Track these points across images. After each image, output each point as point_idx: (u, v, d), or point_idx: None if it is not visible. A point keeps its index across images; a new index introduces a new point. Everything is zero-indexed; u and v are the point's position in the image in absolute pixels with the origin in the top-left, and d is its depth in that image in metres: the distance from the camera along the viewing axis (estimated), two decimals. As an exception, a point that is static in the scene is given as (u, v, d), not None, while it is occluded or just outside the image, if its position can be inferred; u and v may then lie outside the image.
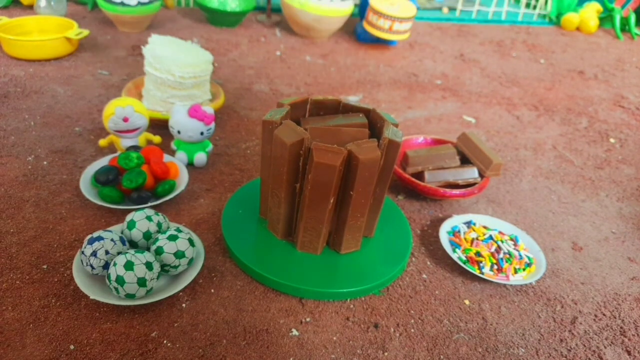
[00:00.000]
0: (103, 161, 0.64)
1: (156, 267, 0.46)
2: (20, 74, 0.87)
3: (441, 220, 0.63)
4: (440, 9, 1.68)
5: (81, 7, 1.22)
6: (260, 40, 1.19)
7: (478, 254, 0.57)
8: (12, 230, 0.54)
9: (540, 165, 0.83)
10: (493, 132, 0.93)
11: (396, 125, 0.53)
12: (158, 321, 0.46)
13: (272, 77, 1.02)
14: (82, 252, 0.46)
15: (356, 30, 1.30)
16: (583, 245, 0.65)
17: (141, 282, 0.44)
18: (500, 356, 0.47)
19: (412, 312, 0.51)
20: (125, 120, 0.62)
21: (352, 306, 0.51)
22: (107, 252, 0.46)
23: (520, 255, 0.57)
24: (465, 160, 0.71)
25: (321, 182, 0.47)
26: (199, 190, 0.65)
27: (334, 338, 0.47)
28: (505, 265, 0.56)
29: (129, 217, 0.50)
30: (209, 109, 0.66)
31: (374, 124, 0.54)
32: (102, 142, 0.68)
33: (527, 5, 1.93)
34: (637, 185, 0.81)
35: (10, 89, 0.82)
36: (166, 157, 0.66)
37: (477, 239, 0.59)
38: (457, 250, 0.58)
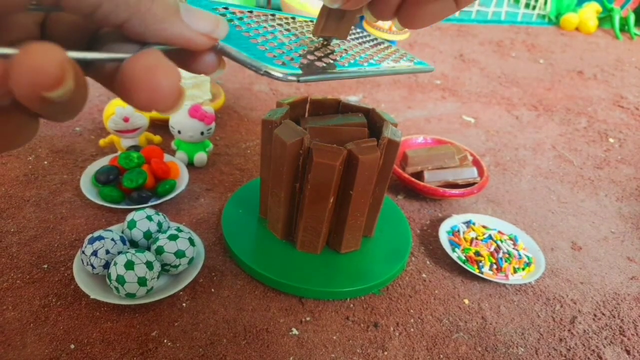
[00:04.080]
0: (103, 161, 0.64)
1: (156, 266, 0.46)
2: (21, 74, 0.87)
3: (441, 220, 0.64)
4: (439, 9, 1.68)
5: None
6: (260, 41, 1.20)
7: (477, 253, 0.57)
8: (12, 230, 0.54)
9: (539, 165, 0.84)
10: (492, 132, 0.93)
11: (396, 125, 0.53)
12: (158, 320, 0.46)
13: (272, 77, 1.03)
14: (83, 252, 0.46)
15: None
16: (582, 245, 0.65)
17: (141, 281, 0.44)
18: (499, 355, 0.47)
19: (411, 311, 0.51)
20: (126, 120, 0.62)
21: (351, 305, 0.51)
22: (107, 252, 0.46)
23: (519, 255, 0.57)
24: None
25: (321, 182, 0.47)
26: (199, 190, 0.65)
27: (334, 337, 0.47)
28: (505, 265, 0.56)
29: (129, 217, 0.50)
30: (209, 109, 0.66)
31: (374, 124, 0.54)
32: (103, 142, 0.68)
33: (527, 5, 1.93)
34: (637, 185, 0.81)
35: (10, 89, 0.82)
36: (166, 157, 0.66)
37: (476, 238, 0.60)
38: (456, 249, 0.58)
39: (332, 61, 0.24)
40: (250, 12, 0.26)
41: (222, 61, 0.21)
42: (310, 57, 0.23)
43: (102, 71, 0.18)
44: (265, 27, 0.25)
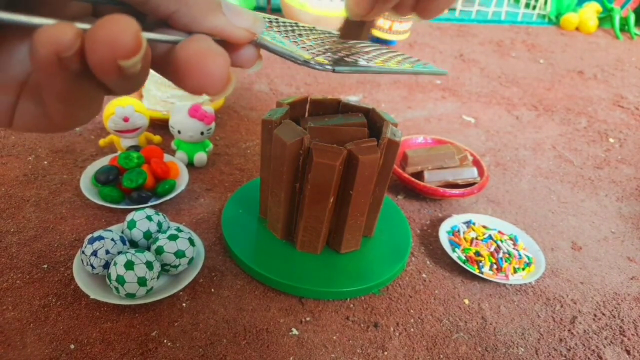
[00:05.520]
0: (103, 161, 0.64)
1: (156, 266, 0.46)
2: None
3: (441, 220, 0.64)
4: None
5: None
6: (260, 40, 1.20)
7: (477, 253, 0.57)
8: (12, 230, 0.54)
9: (539, 165, 0.84)
10: (493, 132, 0.93)
11: (396, 125, 0.53)
12: (158, 320, 0.46)
13: (272, 77, 1.03)
14: (83, 252, 0.46)
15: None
16: (582, 245, 0.65)
17: (141, 281, 0.44)
18: (499, 355, 0.47)
19: (411, 311, 0.51)
20: (126, 120, 0.62)
21: (351, 305, 0.51)
22: (107, 252, 0.46)
23: (519, 255, 0.57)
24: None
25: (321, 182, 0.47)
26: (199, 190, 0.65)
27: (334, 337, 0.47)
28: (505, 265, 0.56)
29: (129, 217, 0.50)
30: (209, 109, 0.66)
31: (374, 124, 0.54)
32: (102, 141, 0.68)
33: (527, 5, 1.93)
34: (637, 185, 0.81)
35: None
36: (166, 157, 0.66)
37: (476, 238, 0.60)
38: (456, 249, 0.58)
39: (358, 59, 0.26)
40: (277, 19, 0.28)
41: (260, 55, 0.22)
42: (339, 54, 0.25)
43: (152, 53, 0.19)
44: (292, 30, 0.27)
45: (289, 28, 0.27)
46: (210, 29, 0.19)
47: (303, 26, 0.30)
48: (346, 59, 0.25)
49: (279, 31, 0.25)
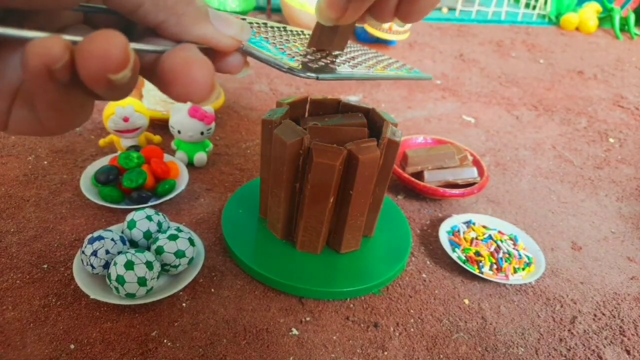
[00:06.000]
0: (103, 161, 0.64)
1: (156, 266, 0.46)
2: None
3: (441, 220, 0.64)
4: (439, 9, 1.68)
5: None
6: (260, 40, 1.20)
7: (477, 253, 0.57)
8: (12, 230, 0.54)
9: (539, 165, 0.84)
10: (493, 132, 0.93)
11: (396, 125, 0.53)
12: (158, 320, 0.46)
13: (272, 77, 1.03)
14: (83, 252, 0.46)
15: (356, 30, 1.31)
16: (582, 245, 0.65)
17: (141, 281, 0.44)
18: (499, 355, 0.47)
19: (411, 311, 0.51)
20: (126, 120, 0.62)
21: (351, 305, 0.51)
22: (107, 252, 0.46)
23: (519, 255, 0.57)
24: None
25: (321, 182, 0.47)
26: (199, 190, 0.65)
27: (334, 337, 0.47)
28: (505, 265, 0.56)
29: (129, 217, 0.50)
30: (209, 109, 0.66)
31: (374, 124, 0.54)
32: (102, 141, 0.68)
33: (527, 5, 1.93)
34: (637, 185, 0.81)
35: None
36: (166, 157, 0.66)
37: (476, 238, 0.60)
38: (456, 249, 0.58)
39: (343, 65, 0.26)
40: (265, 24, 0.28)
41: (247, 62, 0.22)
42: (324, 60, 0.25)
43: (141, 61, 0.19)
44: (280, 36, 0.27)
45: (277, 33, 0.27)
46: (198, 37, 0.19)
47: (291, 30, 0.30)
48: (331, 65, 0.25)
49: (266, 37, 0.25)
